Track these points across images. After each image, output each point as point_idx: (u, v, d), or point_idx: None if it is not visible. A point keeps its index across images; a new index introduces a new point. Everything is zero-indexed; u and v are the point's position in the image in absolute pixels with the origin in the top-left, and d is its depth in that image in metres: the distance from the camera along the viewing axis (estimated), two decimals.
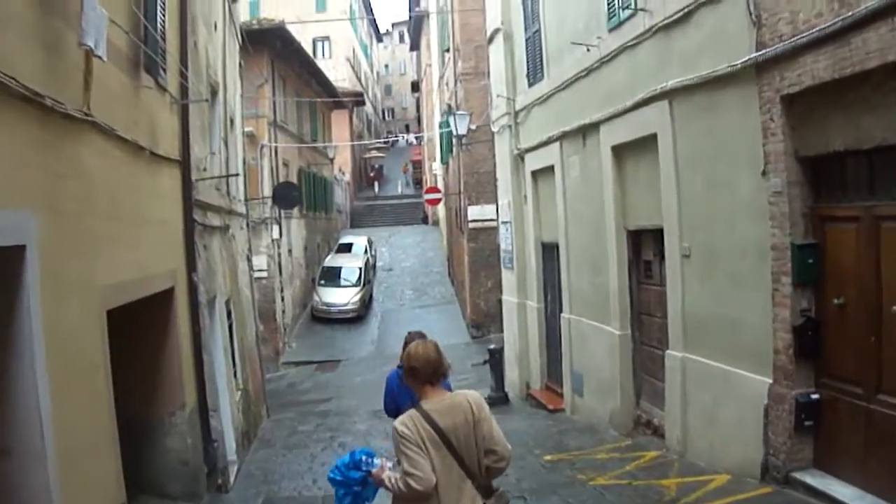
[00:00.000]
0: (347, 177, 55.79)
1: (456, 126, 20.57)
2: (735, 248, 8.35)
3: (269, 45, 26.80)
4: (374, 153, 73.86)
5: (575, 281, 13.22)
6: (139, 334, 8.10)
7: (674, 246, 9.58)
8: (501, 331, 23.41)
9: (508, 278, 17.13)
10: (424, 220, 53.65)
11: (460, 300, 30.25)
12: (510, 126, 16.23)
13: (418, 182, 64.77)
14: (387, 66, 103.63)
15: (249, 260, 17.08)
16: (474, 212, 25.12)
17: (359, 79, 66.85)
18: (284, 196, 20.93)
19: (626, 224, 11.24)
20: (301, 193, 23.54)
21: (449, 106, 28.97)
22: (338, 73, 54.18)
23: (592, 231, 12.25)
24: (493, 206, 23.99)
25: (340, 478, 5.02)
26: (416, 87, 65.16)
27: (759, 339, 7.90)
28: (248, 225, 17.83)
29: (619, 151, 11.19)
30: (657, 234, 10.29)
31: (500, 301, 23.58)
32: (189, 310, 9.07)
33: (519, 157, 15.99)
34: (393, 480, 4.56)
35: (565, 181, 13.39)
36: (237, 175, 11.74)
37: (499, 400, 16.04)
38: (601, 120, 11.51)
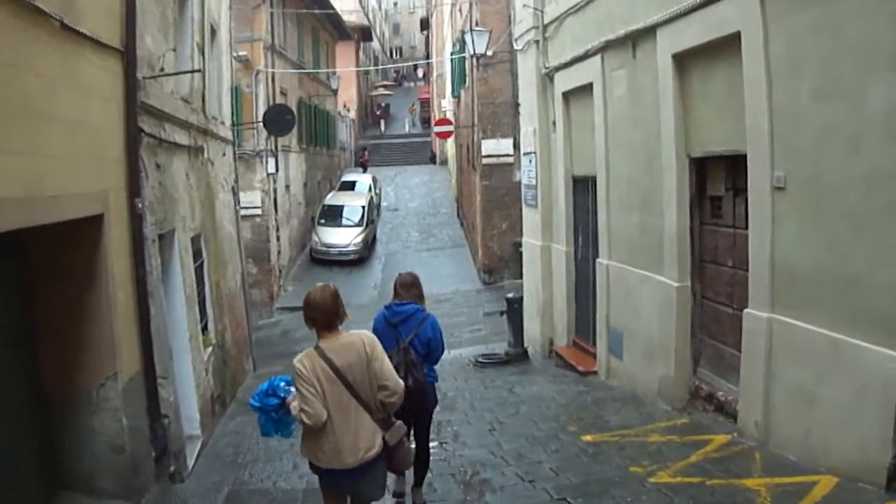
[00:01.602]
0: (353, 114, 54.14)
1: (473, 45, 18.30)
2: (857, 180, 6.16)
3: None
4: (381, 90, 72.44)
5: (616, 221, 11.14)
6: (52, 280, 6.08)
7: (761, 176, 7.40)
8: (516, 277, 21.75)
9: (531, 218, 14.99)
10: (432, 160, 52.18)
11: (471, 243, 28.23)
12: (537, 42, 13.99)
13: (426, 121, 63.99)
14: (395, 3, 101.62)
15: (235, 192, 14.95)
16: (489, 146, 22.99)
17: (366, 14, 64.66)
18: (276, 121, 18.51)
19: (690, 150, 9.11)
20: (296, 118, 21.11)
21: (462, 32, 26.69)
22: (344, 4, 51.76)
23: (642, 160, 10.19)
24: (510, 141, 22.41)
25: (258, 404, 5.26)
26: (425, 24, 62.52)
27: (891, 300, 5.83)
28: (234, 152, 15.64)
29: (683, 60, 9.05)
30: (733, 163, 8.25)
31: (514, 245, 22.02)
32: (130, 247, 7.01)
33: (547, 77, 13.79)
34: (296, 411, 4.90)
35: (607, 102, 11.26)
36: (198, 71, 9.50)
37: (517, 357, 14.26)
38: (659, 22, 9.32)
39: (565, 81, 13.02)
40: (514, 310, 14.42)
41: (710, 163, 8.94)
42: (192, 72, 9.41)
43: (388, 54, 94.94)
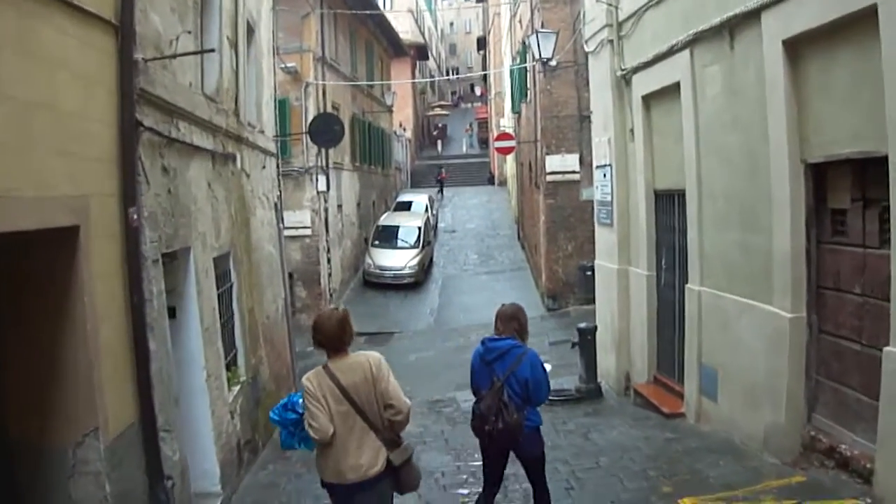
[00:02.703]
0: (409, 133, 53.28)
1: (539, 47, 16.79)
2: None
3: None
4: (438, 111, 72.59)
5: (711, 240, 9.58)
6: (17, 312, 4.70)
7: None
8: (582, 303, 20.19)
9: (605, 238, 13.42)
10: (490, 181, 51.09)
11: (533, 266, 26.64)
12: (611, 41, 12.49)
13: (484, 141, 63.75)
14: (452, 23, 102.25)
15: (278, 209, 13.60)
16: (553, 162, 21.48)
17: (422, 33, 64.05)
18: (324, 131, 17.12)
19: (806, 154, 7.57)
20: (347, 132, 19.72)
21: (525, 38, 25.36)
22: (399, 24, 50.96)
23: (744, 169, 8.66)
24: (576, 157, 21.13)
25: (278, 418, 5.39)
26: (481, 44, 61.68)
27: None
28: (278, 166, 14.35)
29: (796, 47, 7.53)
30: (862, 167, 6.83)
31: (581, 268, 20.59)
32: (123, 269, 5.61)
33: (623, 80, 12.28)
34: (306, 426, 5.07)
35: (698, 103, 9.73)
36: (211, 51, 8.07)
37: (590, 393, 12.65)
38: (765, 4, 7.85)
39: (645, 83, 11.52)
40: (586, 341, 12.79)
41: (831, 169, 7.38)
42: (204, 52, 7.98)
43: (445, 74, 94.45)
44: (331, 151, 23.66)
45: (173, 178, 6.82)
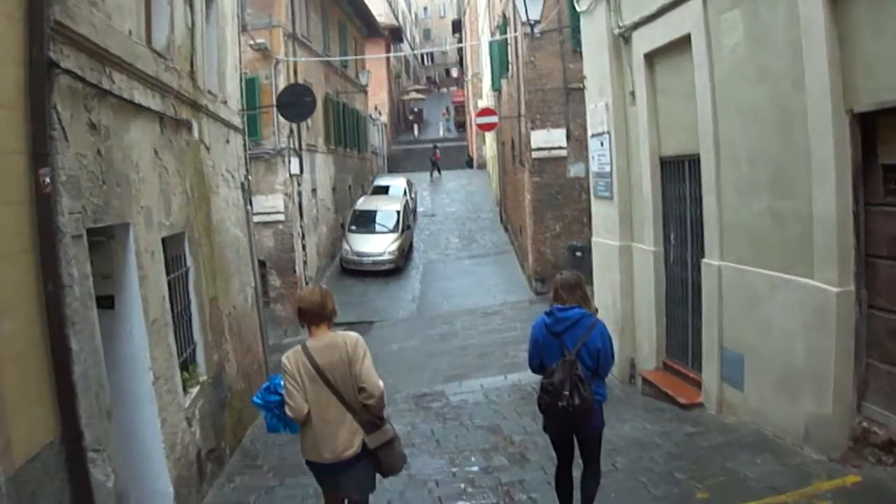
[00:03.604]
0: (384, 118, 52.29)
1: (526, 8, 15.60)
2: None
3: None
4: (414, 95, 71.72)
5: (733, 209, 8.53)
6: None
7: None
8: None
9: (604, 212, 12.29)
10: (469, 164, 49.99)
11: (518, 249, 25.53)
12: None
13: (461, 125, 62.98)
14: (426, 8, 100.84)
15: (245, 189, 12.39)
16: (539, 138, 20.32)
17: (396, 17, 62.77)
18: (294, 103, 15.78)
19: (852, 102, 6.54)
20: (320, 109, 18.35)
21: (503, 15, 24.16)
22: (373, 6, 49.70)
23: (773, 126, 7.62)
24: (562, 132, 20.17)
25: (262, 402, 5.37)
26: (457, 26, 60.70)
27: None
28: (245, 143, 13.13)
29: None
30: None
31: (570, 248, 19.61)
32: (31, 246, 4.40)
33: (622, 38, 11.18)
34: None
35: (713, 56, 8.68)
36: None
37: None
38: None
39: (648, 40, 10.44)
40: None
41: (884, 118, 6.38)
42: None
43: (419, 59, 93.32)
44: (304, 133, 22.51)
45: (105, 137, 5.57)
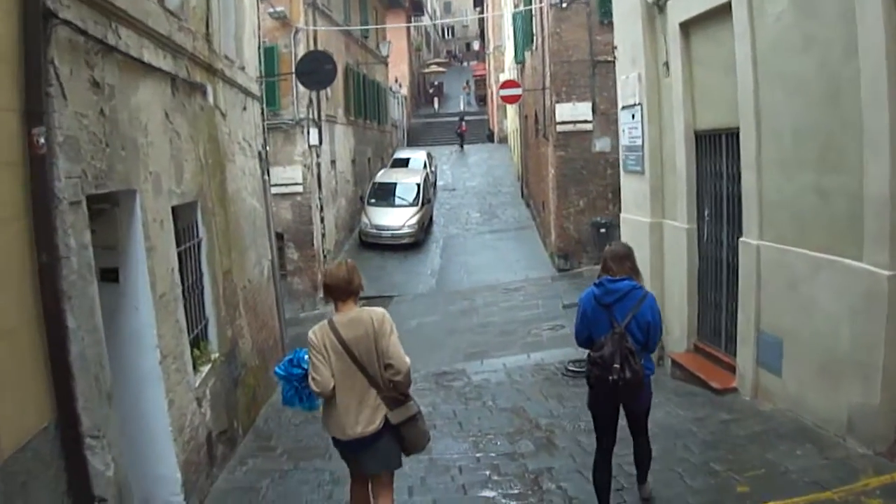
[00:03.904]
0: (405, 91, 51.70)
1: None
2: None
3: None
4: (434, 68, 71.02)
5: (774, 185, 8.08)
6: None
7: None
8: (596, 262, 18.52)
9: (634, 187, 11.85)
10: (490, 138, 49.42)
11: (540, 224, 25.03)
12: None
13: (482, 99, 62.55)
14: None
15: (263, 159, 12.00)
16: (563, 111, 19.81)
17: None
18: (313, 70, 15.35)
19: None
20: (336, 69, 17.62)
21: None
22: None
23: (821, 97, 7.17)
24: (588, 105, 19.76)
25: (284, 373, 5.40)
26: (478, 0, 59.48)
27: None
28: (262, 110, 12.75)
29: None
30: None
31: (594, 224, 19.19)
32: (24, 213, 4.04)
33: (656, 7, 10.71)
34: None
35: (755, 24, 8.22)
36: None
37: None
38: None
39: (685, 8, 9.99)
40: None
41: None
42: None
43: (440, 33, 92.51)
44: (323, 103, 22.06)
45: (109, 97, 5.17)
